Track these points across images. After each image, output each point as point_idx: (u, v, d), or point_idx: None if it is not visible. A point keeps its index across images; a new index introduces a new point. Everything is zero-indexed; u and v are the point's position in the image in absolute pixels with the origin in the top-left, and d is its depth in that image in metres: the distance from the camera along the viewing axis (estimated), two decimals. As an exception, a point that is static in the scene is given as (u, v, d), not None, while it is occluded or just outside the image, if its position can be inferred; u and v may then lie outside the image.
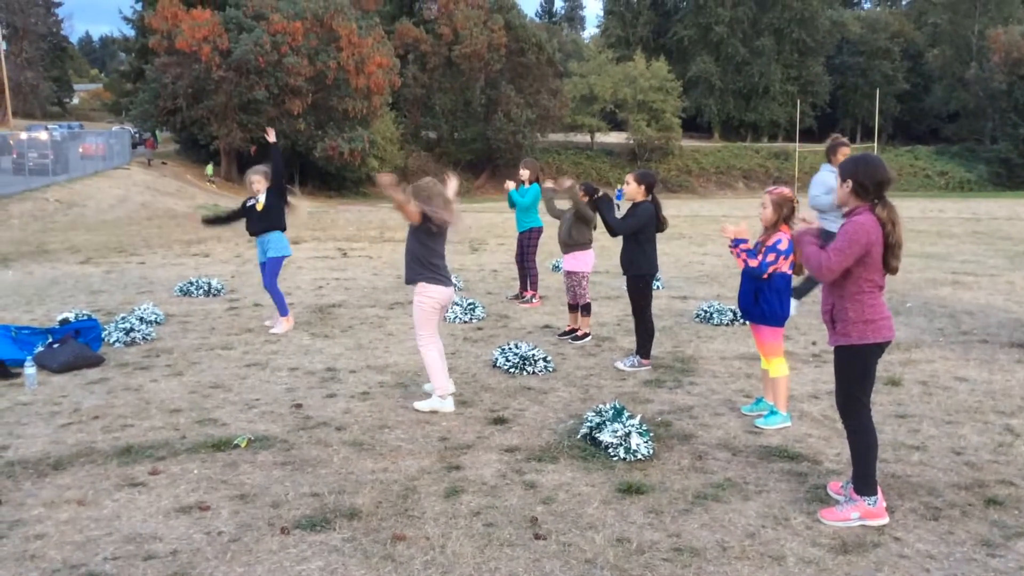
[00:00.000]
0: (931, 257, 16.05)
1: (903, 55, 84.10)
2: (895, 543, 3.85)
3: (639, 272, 7.00)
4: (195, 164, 51.52)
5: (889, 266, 4.01)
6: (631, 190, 7.00)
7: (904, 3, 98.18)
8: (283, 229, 8.63)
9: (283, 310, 8.75)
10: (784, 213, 5.45)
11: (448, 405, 5.93)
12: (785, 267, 5.47)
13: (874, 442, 4.11)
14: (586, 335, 8.31)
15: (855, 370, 4.10)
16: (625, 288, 7.31)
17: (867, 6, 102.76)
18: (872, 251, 3.94)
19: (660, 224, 7.01)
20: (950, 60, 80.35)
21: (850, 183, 4.00)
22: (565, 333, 8.45)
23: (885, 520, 4.05)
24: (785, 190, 5.57)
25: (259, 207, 8.44)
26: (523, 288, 10.75)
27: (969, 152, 77.33)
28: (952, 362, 7.36)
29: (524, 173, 10.28)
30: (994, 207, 39.10)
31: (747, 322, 5.86)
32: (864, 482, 4.08)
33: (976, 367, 7.18)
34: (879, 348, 4.09)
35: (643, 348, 7.13)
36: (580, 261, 8.31)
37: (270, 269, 8.61)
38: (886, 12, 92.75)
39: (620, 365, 7.14)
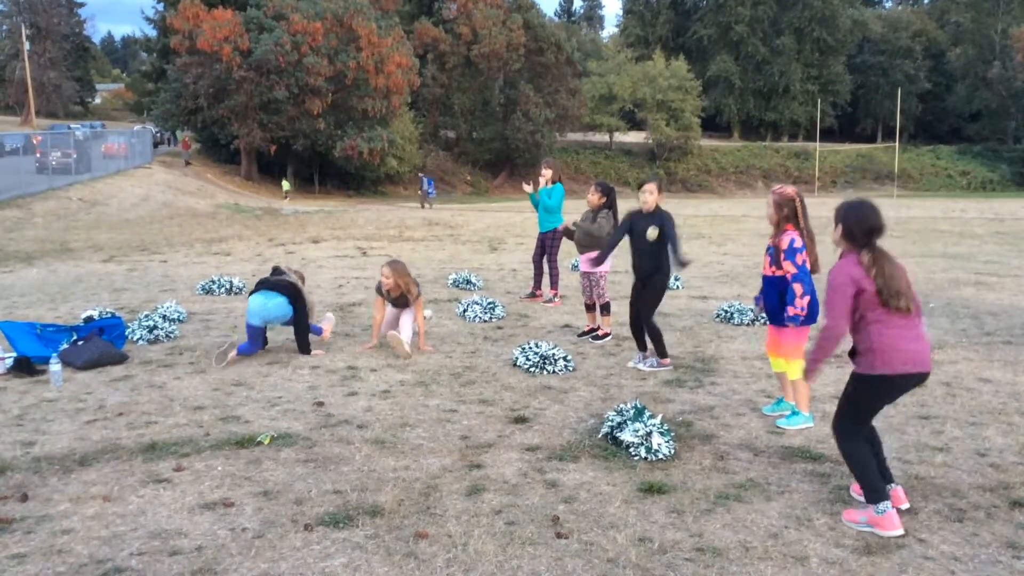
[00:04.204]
0: (954, 258, 15.93)
1: (925, 54, 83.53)
2: (919, 545, 3.83)
3: (661, 275, 7.02)
4: (216, 163, 51.85)
5: (890, 306, 3.90)
6: (655, 199, 7.00)
7: (926, 2, 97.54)
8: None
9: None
10: (785, 213, 5.47)
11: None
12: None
13: (866, 459, 4.04)
14: (607, 334, 8.29)
15: (859, 398, 4.06)
16: (638, 292, 7.21)
17: (888, 5, 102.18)
18: (865, 287, 3.90)
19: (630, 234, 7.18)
20: (972, 59, 79.72)
21: (840, 228, 4.01)
22: (584, 333, 8.45)
23: (894, 532, 3.92)
24: (788, 189, 5.59)
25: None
26: (537, 287, 10.75)
27: (992, 152, 76.74)
28: (976, 363, 7.31)
29: (547, 173, 10.28)
30: (1017, 207, 38.77)
31: (769, 324, 5.83)
32: (868, 492, 4.02)
33: (1000, 368, 7.12)
34: (883, 382, 3.97)
35: (659, 348, 7.10)
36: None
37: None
38: (908, 11, 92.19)
39: (641, 366, 7.10)
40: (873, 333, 3.94)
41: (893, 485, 4.21)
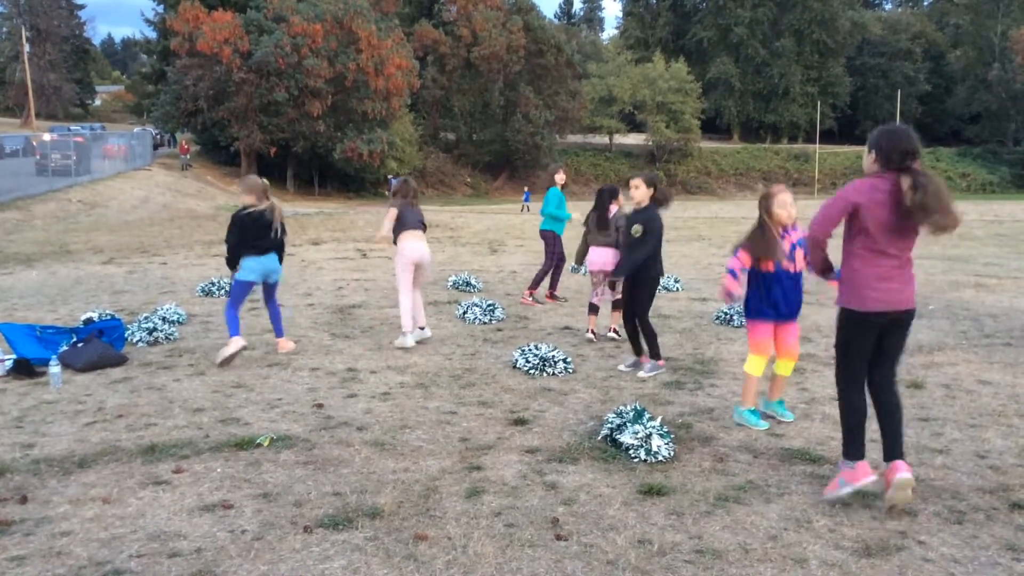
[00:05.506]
0: (954, 259, 15.93)
1: (924, 56, 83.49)
2: (919, 547, 3.82)
3: (655, 273, 7.00)
4: (216, 165, 51.87)
5: (931, 227, 4.03)
6: (640, 194, 6.98)
7: (926, 4, 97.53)
8: (240, 255, 7.48)
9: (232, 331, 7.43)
10: None
11: (408, 341, 7.88)
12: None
13: (855, 414, 4.25)
14: (594, 334, 8.43)
15: (842, 332, 4.27)
16: (628, 291, 7.22)
17: (888, 7, 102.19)
18: (860, 212, 4.04)
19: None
20: (972, 61, 79.76)
21: (874, 153, 4.12)
22: (614, 332, 8.44)
23: (870, 478, 4.17)
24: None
25: None
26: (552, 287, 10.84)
27: (991, 154, 76.70)
28: (975, 365, 7.31)
29: (561, 177, 10.52)
30: (1017, 209, 38.78)
31: (770, 323, 5.77)
32: (846, 444, 4.27)
33: (1000, 370, 7.12)
34: (862, 317, 4.14)
35: (653, 349, 7.08)
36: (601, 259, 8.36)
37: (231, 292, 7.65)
38: (907, 13, 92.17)
39: (641, 373, 7.02)
40: (855, 268, 4.14)
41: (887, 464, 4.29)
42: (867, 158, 4.16)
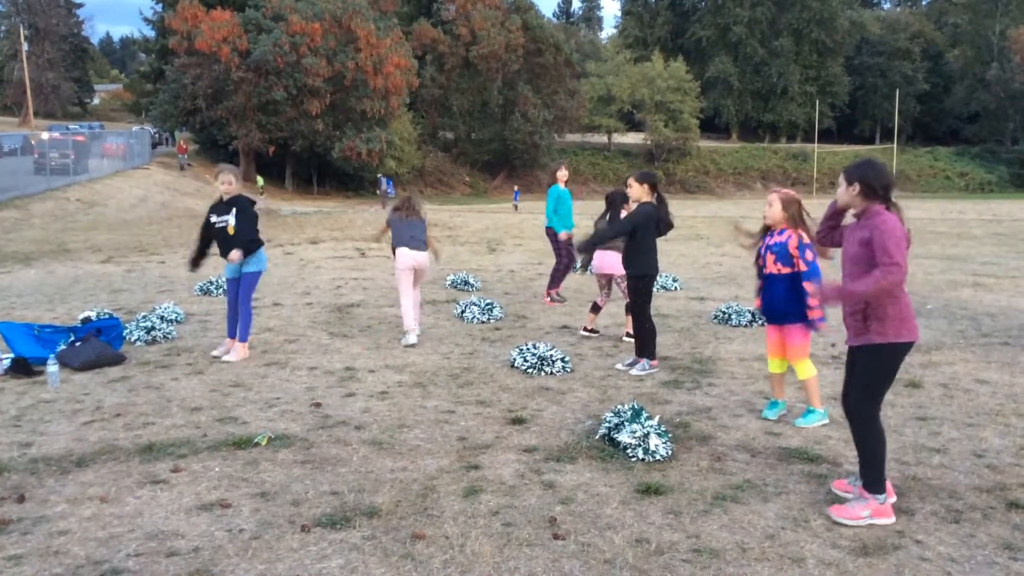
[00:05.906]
0: (952, 259, 15.94)
1: (923, 55, 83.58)
2: (916, 546, 3.83)
3: (638, 272, 6.97)
4: (215, 164, 51.72)
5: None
6: (636, 192, 7.00)
7: (924, 3, 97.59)
8: (261, 245, 7.52)
9: (245, 335, 7.55)
10: (791, 213, 5.52)
11: (411, 339, 8.11)
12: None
13: (883, 444, 4.13)
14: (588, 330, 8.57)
15: (886, 369, 4.12)
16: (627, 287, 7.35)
17: (887, 6, 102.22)
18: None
19: (660, 227, 7.00)
20: (971, 60, 79.91)
21: (858, 186, 4.09)
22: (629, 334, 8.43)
23: (892, 519, 4.06)
24: (791, 191, 5.69)
25: (230, 231, 7.30)
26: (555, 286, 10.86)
27: (990, 153, 76.84)
28: (973, 364, 7.31)
29: (563, 174, 10.49)
30: (1015, 209, 38.82)
31: (768, 325, 5.79)
32: (875, 480, 4.10)
33: (997, 369, 7.13)
34: (909, 348, 4.11)
35: (648, 350, 7.07)
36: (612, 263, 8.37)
37: (246, 285, 7.48)
38: (906, 12, 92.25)
39: (634, 371, 7.05)
40: (902, 303, 4.05)
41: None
42: (848, 190, 4.13)
